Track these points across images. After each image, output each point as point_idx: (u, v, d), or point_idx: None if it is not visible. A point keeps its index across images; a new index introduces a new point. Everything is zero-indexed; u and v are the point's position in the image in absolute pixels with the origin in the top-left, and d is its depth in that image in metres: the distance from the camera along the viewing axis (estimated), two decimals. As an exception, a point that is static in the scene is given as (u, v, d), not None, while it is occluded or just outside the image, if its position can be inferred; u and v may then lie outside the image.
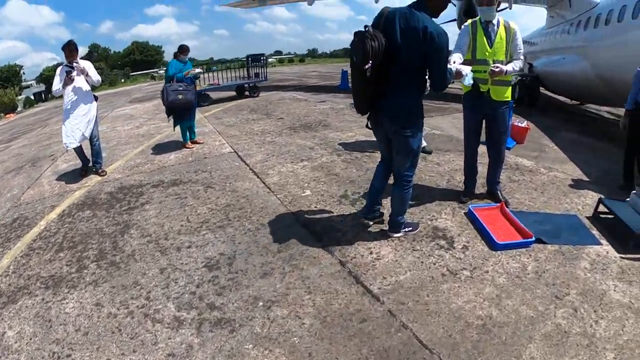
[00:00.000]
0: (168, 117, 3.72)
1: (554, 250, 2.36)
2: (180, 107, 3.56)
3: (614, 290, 2.07)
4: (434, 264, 2.23)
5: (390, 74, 1.72)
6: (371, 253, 2.26)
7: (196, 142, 3.85)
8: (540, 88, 8.21)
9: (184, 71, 3.90)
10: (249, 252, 2.22)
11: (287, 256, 2.17)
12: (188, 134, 3.75)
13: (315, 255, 2.17)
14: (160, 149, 4.07)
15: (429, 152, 3.91)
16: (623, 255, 2.43)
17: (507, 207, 2.76)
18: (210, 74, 8.42)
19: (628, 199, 2.95)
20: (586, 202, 3.26)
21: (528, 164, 4.07)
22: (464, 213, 2.77)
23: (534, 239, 2.33)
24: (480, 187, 3.16)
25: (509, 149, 4.13)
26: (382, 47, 1.62)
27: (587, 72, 6.00)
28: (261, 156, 3.51)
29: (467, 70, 1.84)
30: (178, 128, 3.54)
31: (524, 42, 3.94)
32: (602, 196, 2.90)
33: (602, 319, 1.84)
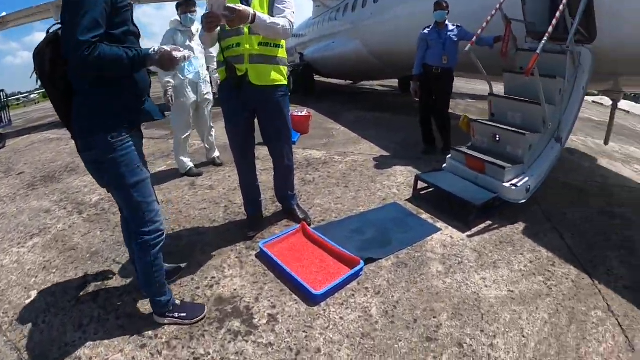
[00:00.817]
0: None
1: (391, 265, 2.15)
2: None
3: (486, 287, 2.00)
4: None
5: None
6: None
7: None
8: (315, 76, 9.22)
9: None
10: None
11: None
12: None
13: None
14: None
15: (220, 164, 3.72)
16: (469, 233, 2.48)
17: (310, 226, 2.43)
18: None
19: (445, 166, 3.17)
20: (398, 180, 3.33)
21: (319, 154, 4.07)
22: (256, 255, 2.24)
23: (362, 264, 2.02)
24: (270, 203, 2.84)
25: (294, 143, 4.11)
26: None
27: (360, 51, 6.82)
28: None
29: (180, 54, 1.43)
30: None
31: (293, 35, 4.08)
32: (418, 172, 3.01)
33: (496, 336, 1.69)
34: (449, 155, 3.18)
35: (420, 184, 2.97)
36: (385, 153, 4.09)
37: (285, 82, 2.15)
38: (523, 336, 1.69)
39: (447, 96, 3.90)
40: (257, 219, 2.49)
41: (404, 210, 2.75)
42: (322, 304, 1.84)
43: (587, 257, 2.32)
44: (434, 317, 1.76)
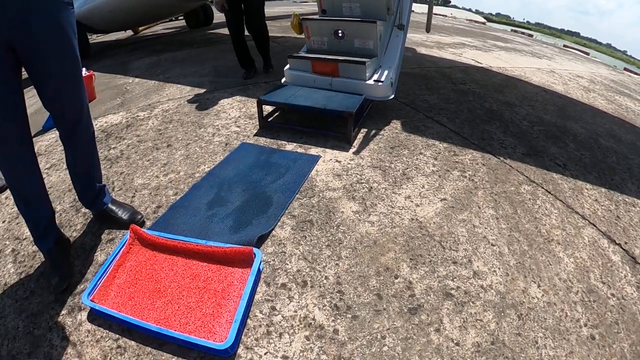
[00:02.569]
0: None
1: (292, 231, 2.00)
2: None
3: (418, 207, 2.10)
4: None
5: None
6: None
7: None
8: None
9: None
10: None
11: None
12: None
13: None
14: None
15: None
16: (354, 150, 2.62)
17: (144, 226, 2.21)
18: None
19: (284, 80, 3.42)
20: (232, 115, 3.45)
21: (118, 118, 4.09)
22: (90, 319, 1.73)
23: (258, 253, 1.75)
24: (70, 214, 2.46)
25: None
26: None
27: None
28: None
29: None
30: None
31: None
32: (259, 97, 3.05)
33: (471, 261, 1.82)
34: (287, 67, 3.32)
35: (265, 110, 2.99)
36: (200, 90, 4.22)
37: None
38: (492, 245, 1.81)
39: (262, 6, 4.25)
40: (60, 252, 2.05)
41: (261, 149, 2.73)
42: (241, 350, 1.42)
43: (475, 136, 2.81)
44: (395, 277, 1.64)
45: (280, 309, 1.55)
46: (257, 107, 2.97)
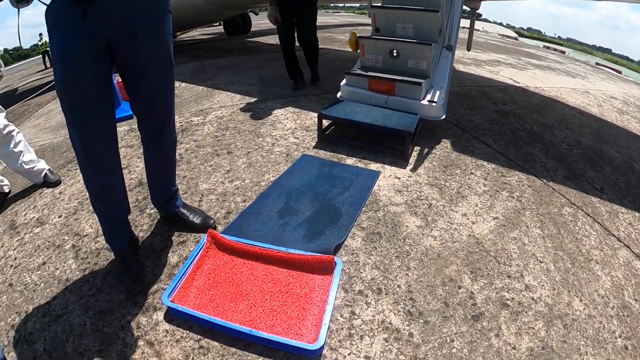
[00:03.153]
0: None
1: (362, 242, 2.16)
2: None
3: (474, 224, 2.30)
4: None
5: None
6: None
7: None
8: None
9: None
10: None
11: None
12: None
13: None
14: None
15: (54, 183, 3.10)
16: (411, 167, 2.82)
17: (217, 228, 2.29)
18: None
19: (339, 95, 3.57)
20: (288, 127, 3.55)
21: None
22: (167, 319, 1.78)
23: (339, 262, 1.95)
24: (137, 217, 2.49)
25: (132, 116, 4.01)
26: None
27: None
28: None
29: None
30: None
31: None
32: (320, 111, 3.18)
33: (523, 275, 2.01)
34: (343, 82, 3.48)
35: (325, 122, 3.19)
36: (251, 99, 4.33)
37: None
38: (540, 262, 2.03)
39: (313, 21, 4.35)
40: (133, 252, 2.04)
41: (323, 162, 2.85)
42: (326, 350, 1.60)
43: (519, 158, 3.02)
44: (459, 288, 1.84)
45: (359, 313, 1.73)
46: (318, 121, 3.14)
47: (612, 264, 2.17)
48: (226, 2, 7.63)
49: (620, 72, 12.73)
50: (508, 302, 1.76)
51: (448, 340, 1.61)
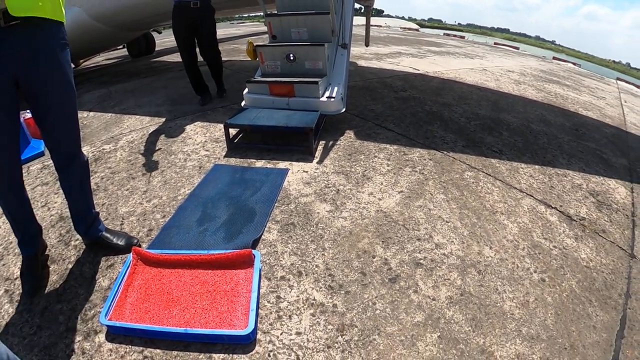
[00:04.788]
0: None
1: (278, 234, 2.33)
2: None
3: (381, 200, 2.48)
4: None
5: None
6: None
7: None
8: None
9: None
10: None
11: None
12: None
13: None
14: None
15: None
16: (317, 160, 3.00)
17: (142, 246, 2.41)
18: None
19: (243, 103, 3.77)
20: (198, 140, 3.67)
21: (85, 153, 4.15)
22: (109, 338, 1.88)
23: (257, 254, 2.10)
24: (59, 247, 2.57)
25: (42, 153, 4.00)
26: None
27: (84, 20, 7.51)
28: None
29: None
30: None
31: None
32: (226, 121, 3.34)
33: (432, 236, 2.26)
34: (246, 91, 3.70)
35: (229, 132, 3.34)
36: (160, 119, 4.41)
37: (64, 19, 1.99)
38: (447, 222, 2.26)
39: (213, 35, 4.47)
40: (40, 262, 2.24)
41: (234, 168, 3.03)
42: (259, 335, 1.73)
43: (420, 136, 3.31)
44: (373, 257, 2.02)
45: (284, 296, 1.85)
46: (225, 131, 3.27)
47: (517, 212, 2.45)
48: (128, 24, 7.52)
49: (517, 48, 14.03)
50: (421, 261, 1.95)
51: (370, 304, 1.75)
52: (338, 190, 2.54)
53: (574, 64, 12.23)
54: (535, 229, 2.36)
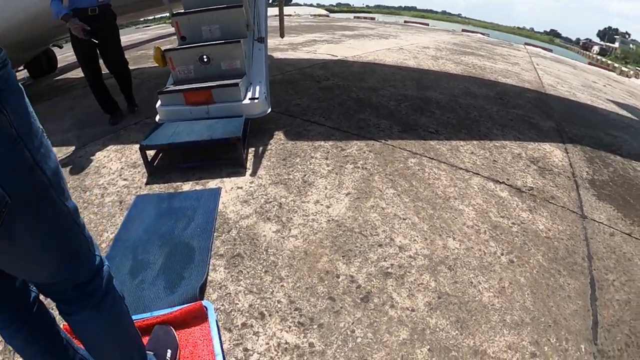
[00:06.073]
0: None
1: (225, 271, 2.11)
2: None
3: (329, 207, 2.37)
4: None
5: None
6: None
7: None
8: None
9: None
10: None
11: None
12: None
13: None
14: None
15: None
16: (250, 172, 2.83)
17: None
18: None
19: (158, 118, 3.48)
20: (113, 168, 3.41)
21: None
22: None
23: (208, 304, 1.88)
24: None
25: None
26: None
27: None
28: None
29: None
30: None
31: None
32: (140, 142, 3.06)
33: (392, 239, 2.18)
34: (158, 104, 3.38)
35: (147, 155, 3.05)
36: (68, 148, 3.99)
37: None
38: (404, 219, 2.18)
39: (117, 43, 4.14)
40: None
41: (159, 197, 2.76)
42: None
43: (353, 127, 3.23)
44: (337, 277, 1.90)
45: (252, 347, 1.66)
46: (141, 154, 2.96)
47: (469, 194, 2.43)
48: (22, 42, 6.90)
49: (427, 24, 14.62)
50: (389, 270, 1.85)
51: (349, 332, 1.62)
52: (280, 204, 2.38)
53: (483, 34, 12.95)
54: (490, 208, 2.36)
